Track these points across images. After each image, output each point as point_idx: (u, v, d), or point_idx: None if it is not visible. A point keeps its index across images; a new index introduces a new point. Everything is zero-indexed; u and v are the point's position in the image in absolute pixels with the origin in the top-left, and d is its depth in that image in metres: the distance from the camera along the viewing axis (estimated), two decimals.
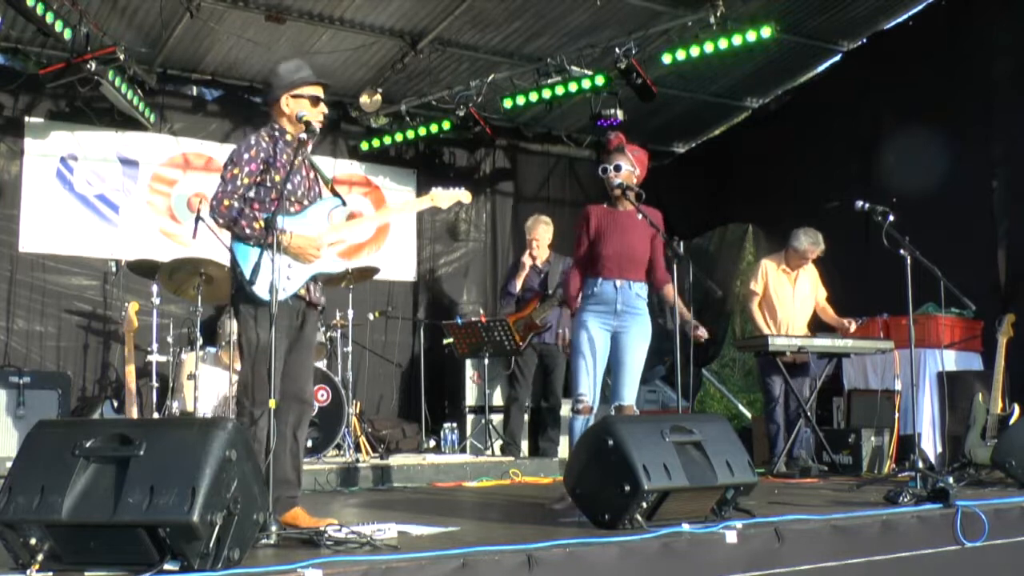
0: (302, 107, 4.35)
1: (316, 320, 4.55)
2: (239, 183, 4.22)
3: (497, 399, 8.56)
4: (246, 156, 4.26)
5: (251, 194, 4.25)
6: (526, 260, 8.20)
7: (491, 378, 8.33)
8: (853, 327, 7.38)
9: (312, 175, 4.49)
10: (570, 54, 8.75)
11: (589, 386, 5.26)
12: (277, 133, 4.39)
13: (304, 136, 4.28)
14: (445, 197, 4.83)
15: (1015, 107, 8.22)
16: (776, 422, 7.39)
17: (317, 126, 4.32)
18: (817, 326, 7.83)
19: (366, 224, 5.01)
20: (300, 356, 4.36)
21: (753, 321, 7.69)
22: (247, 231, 4.16)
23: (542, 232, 8.26)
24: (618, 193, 5.38)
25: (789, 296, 7.58)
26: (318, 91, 4.43)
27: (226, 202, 4.19)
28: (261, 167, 4.26)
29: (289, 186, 4.28)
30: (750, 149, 10.53)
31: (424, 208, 5.02)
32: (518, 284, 8.15)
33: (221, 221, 4.23)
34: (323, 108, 4.45)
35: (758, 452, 8.37)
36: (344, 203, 4.50)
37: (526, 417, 8.43)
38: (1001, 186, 8.34)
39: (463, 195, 4.87)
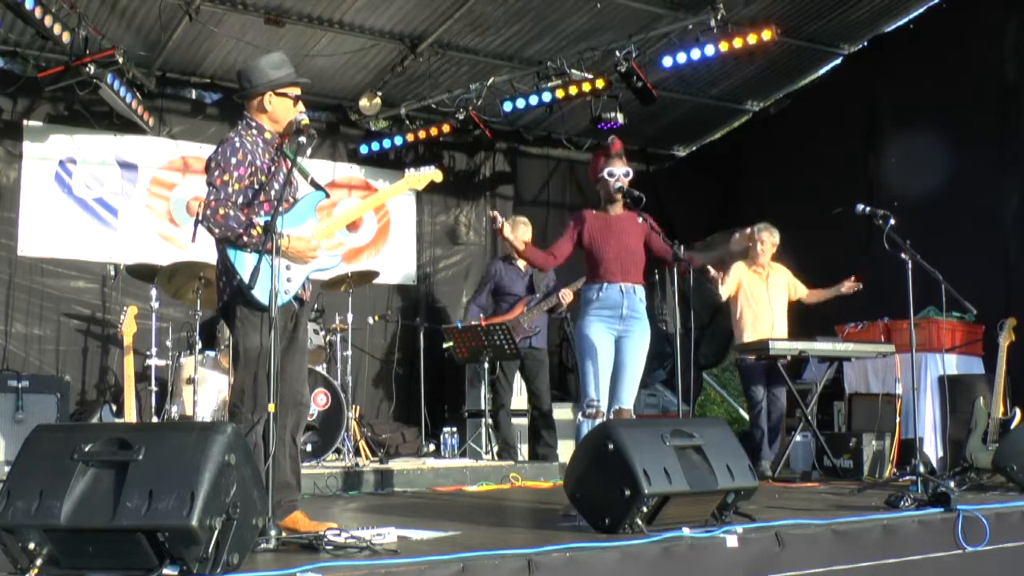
0: (285, 106, 4.23)
1: (307, 319, 4.50)
2: (231, 190, 4.09)
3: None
4: (233, 160, 4.11)
5: (239, 199, 4.12)
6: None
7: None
8: (847, 286, 7.35)
9: (291, 168, 4.23)
10: (570, 57, 8.74)
11: (598, 390, 5.21)
12: (255, 131, 4.24)
13: (303, 140, 4.21)
14: (419, 179, 4.84)
15: (1017, 110, 8.21)
16: (760, 427, 7.46)
17: (312, 129, 4.18)
18: (819, 330, 7.82)
19: (350, 209, 5.18)
20: (295, 358, 4.31)
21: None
22: (245, 239, 4.04)
23: (521, 234, 8.07)
24: (619, 197, 5.38)
25: (764, 296, 7.59)
26: (298, 90, 4.30)
27: (221, 211, 4.03)
28: (250, 170, 4.13)
29: (276, 186, 4.15)
30: (751, 152, 10.54)
31: (403, 192, 4.99)
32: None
33: (217, 231, 4.05)
34: (301, 107, 4.29)
35: None
36: (327, 194, 4.36)
37: (515, 420, 8.40)
38: (1003, 189, 8.33)
39: (435, 174, 4.88)
